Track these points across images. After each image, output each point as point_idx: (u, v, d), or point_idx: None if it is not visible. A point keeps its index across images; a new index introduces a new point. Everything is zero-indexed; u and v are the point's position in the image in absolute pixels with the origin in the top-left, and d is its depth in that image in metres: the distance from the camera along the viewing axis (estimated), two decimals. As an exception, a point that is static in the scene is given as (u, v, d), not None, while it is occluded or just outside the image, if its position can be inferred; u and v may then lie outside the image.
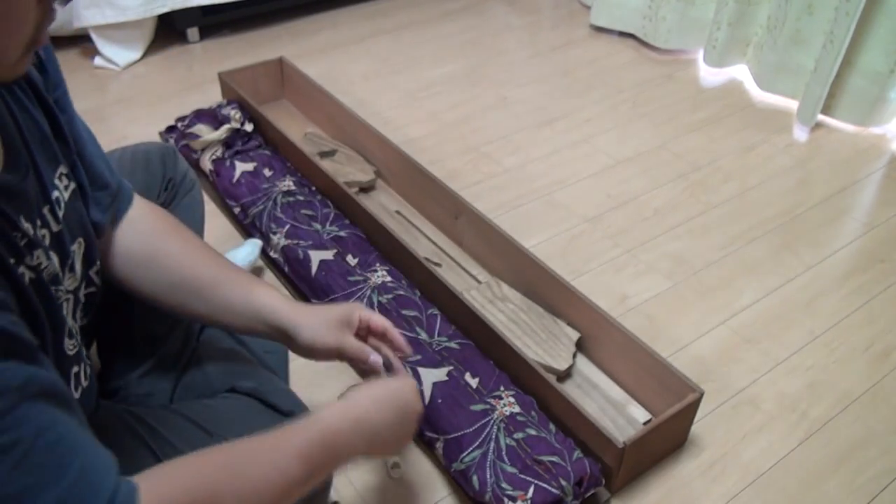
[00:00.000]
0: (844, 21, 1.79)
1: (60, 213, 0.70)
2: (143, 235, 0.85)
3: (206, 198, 1.24)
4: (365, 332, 0.90)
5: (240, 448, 0.62)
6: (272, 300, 0.86)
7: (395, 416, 0.78)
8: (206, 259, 0.86)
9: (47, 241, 0.67)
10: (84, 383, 0.74)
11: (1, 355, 0.49)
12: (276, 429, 0.66)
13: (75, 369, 0.71)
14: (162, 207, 1.04)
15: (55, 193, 0.70)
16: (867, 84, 1.91)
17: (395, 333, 0.90)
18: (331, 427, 0.70)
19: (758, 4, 2.07)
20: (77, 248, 0.74)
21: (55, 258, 0.68)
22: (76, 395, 0.72)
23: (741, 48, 2.16)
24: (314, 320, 0.84)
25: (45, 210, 0.68)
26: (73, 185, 0.74)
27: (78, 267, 0.74)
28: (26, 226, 0.63)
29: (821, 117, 1.98)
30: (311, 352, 0.85)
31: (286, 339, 0.86)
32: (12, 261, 0.59)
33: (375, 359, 0.87)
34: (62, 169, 0.72)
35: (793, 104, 2.04)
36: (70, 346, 0.70)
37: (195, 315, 0.87)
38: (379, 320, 0.89)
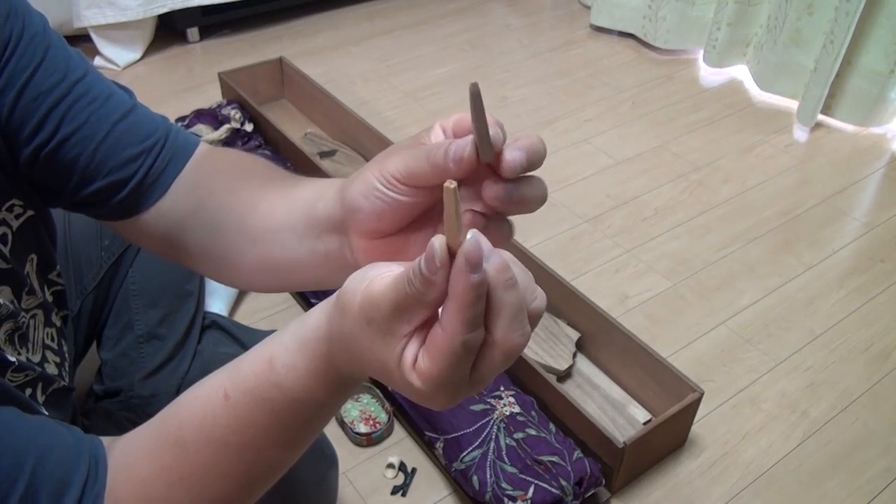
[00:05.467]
0: (844, 21, 1.79)
1: (7, 249, 0.61)
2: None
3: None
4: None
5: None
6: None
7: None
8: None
9: None
10: (40, 398, 0.66)
11: None
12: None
13: (28, 392, 0.64)
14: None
15: (1, 229, 0.61)
16: (867, 84, 1.91)
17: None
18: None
19: (758, 4, 2.07)
20: (30, 267, 0.66)
21: (7, 291, 0.62)
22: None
23: (741, 48, 2.16)
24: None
25: None
26: (28, 213, 0.63)
27: (35, 282, 0.67)
28: None
29: (821, 117, 1.98)
30: (374, 214, 0.48)
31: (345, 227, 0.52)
32: None
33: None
34: (14, 201, 0.61)
35: (793, 104, 2.04)
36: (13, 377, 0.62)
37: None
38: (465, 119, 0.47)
